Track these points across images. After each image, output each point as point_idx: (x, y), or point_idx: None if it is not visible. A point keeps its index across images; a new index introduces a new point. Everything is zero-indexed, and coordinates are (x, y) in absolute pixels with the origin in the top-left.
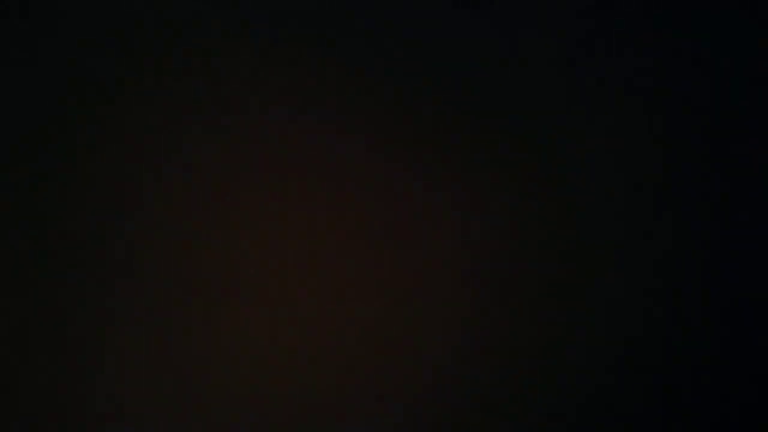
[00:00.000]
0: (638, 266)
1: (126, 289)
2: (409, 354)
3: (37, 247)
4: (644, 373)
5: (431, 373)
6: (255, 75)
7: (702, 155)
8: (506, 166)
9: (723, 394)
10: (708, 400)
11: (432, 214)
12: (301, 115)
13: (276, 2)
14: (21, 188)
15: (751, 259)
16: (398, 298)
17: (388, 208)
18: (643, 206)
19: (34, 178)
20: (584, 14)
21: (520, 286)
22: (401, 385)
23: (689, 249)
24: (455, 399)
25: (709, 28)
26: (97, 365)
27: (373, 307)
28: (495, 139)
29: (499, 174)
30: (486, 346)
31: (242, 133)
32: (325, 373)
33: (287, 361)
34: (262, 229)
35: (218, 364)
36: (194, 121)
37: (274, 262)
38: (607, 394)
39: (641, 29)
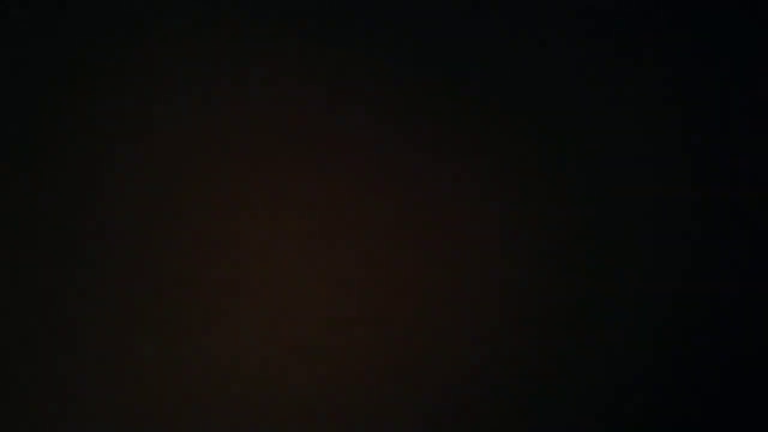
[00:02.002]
0: (660, 270)
1: (124, 288)
2: (418, 356)
3: (31, 245)
4: (662, 377)
5: (442, 376)
6: (257, 67)
7: (714, 157)
8: (522, 167)
9: (737, 398)
10: (719, 403)
11: (445, 214)
12: (309, 110)
13: None
14: (16, 184)
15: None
16: (406, 298)
17: (399, 206)
18: (664, 210)
19: (27, 174)
20: (598, 12)
21: (535, 287)
22: (408, 388)
23: (703, 250)
24: (464, 402)
25: (714, 27)
26: (94, 365)
27: (381, 308)
28: (512, 139)
29: (514, 175)
30: (498, 348)
31: (246, 129)
32: (330, 373)
33: (291, 361)
34: (269, 225)
35: (219, 364)
36: (197, 113)
37: (279, 260)
38: (626, 397)
39: (656, 27)
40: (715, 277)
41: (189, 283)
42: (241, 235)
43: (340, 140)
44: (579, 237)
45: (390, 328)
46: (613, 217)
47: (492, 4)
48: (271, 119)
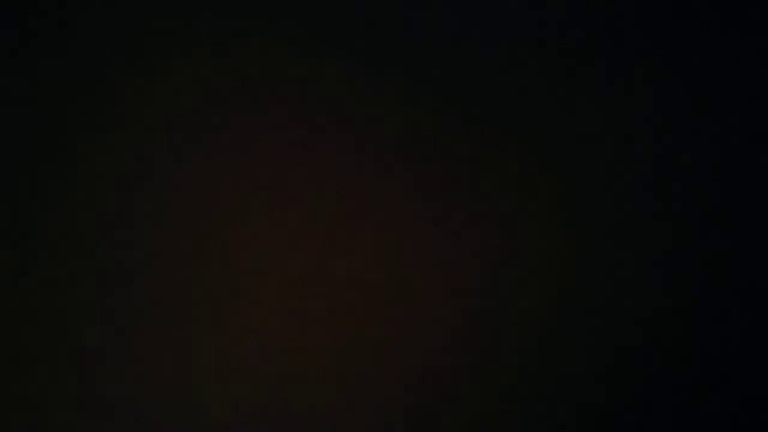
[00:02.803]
0: (645, 271)
1: (127, 292)
2: (410, 357)
3: (37, 250)
4: (648, 378)
5: (433, 377)
6: (258, 75)
7: (707, 159)
8: (510, 171)
9: (727, 397)
10: (711, 402)
11: (435, 218)
12: (304, 118)
13: (283, 2)
14: (20, 190)
15: (758, 263)
16: (402, 301)
17: (391, 211)
18: (647, 210)
19: (33, 179)
20: (588, 17)
21: (523, 288)
22: (404, 388)
23: (695, 252)
24: (454, 402)
25: (711, 29)
26: (99, 368)
27: (375, 310)
28: (498, 144)
29: (502, 179)
30: (488, 349)
31: (246, 134)
32: (326, 375)
33: (289, 363)
34: (265, 231)
35: (219, 366)
36: (197, 122)
37: (277, 265)
38: (610, 398)
39: (645, 31)
40: (710, 276)
41: (194, 285)
42: (245, 240)
43: (339, 153)
44: (566, 241)
45: (389, 328)
46: (597, 218)
47: (477, 16)
48: (273, 127)
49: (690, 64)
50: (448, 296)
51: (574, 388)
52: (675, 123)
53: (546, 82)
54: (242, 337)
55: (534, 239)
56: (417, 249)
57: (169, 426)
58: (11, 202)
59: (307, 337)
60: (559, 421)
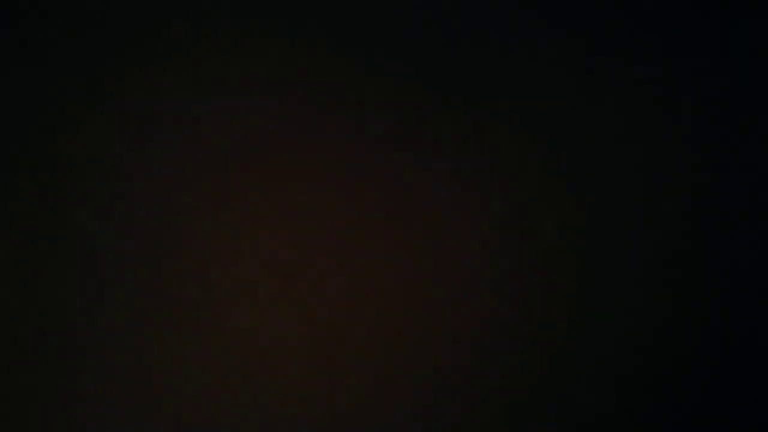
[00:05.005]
0: (656, 269)
1: (124, 290)
2: (417, 356)
3: (28, 246)
4: (658, 377)
5: (441, 375)
6: (254, 68)
7: (711, 157)
8: (520, 167)
9: (732, 397)
10: (716, 402)
11: (444, 214)
12: (312, 112)
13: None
14: (10, 186)
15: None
16: (406, 299)
17: (400, 207)
18: (659, 208)
19: (22, 175)
20: (597, 13)
21: (534, 287)
22: (411, 388)
23: (701, 250)
24: (465, 402)
25: (714, 29)
26: (93, 366)
27: (381, 308)
28: (509, 140)
29: (512, 175)
30: (497, 347)
31: (247, 128)
32: (332, 375)
33: (293, 363)
34: (270, 227)
35: (220, 366)
36: (195, 115)
37: (281, 262)
38: (621, 397)
39: (653, 29)
40: (709, 277)
41: (196, 287)
42: (247, 242)
43: (341, 153)
44: (569, 238)
45: (389, 329)
46: (602, 217)
47: (480, 6)
48: (274, 130)
49: (693, 64)
50: (461, 297)
51: (587, 390)
52: (676, 123)
53: (555, 81)
54: (246, 339)
55: (549, 242)
56: (428, 251)
57: (172, 425)
58: (10, 200)
59: (315, 340)
60: (574, 422)
